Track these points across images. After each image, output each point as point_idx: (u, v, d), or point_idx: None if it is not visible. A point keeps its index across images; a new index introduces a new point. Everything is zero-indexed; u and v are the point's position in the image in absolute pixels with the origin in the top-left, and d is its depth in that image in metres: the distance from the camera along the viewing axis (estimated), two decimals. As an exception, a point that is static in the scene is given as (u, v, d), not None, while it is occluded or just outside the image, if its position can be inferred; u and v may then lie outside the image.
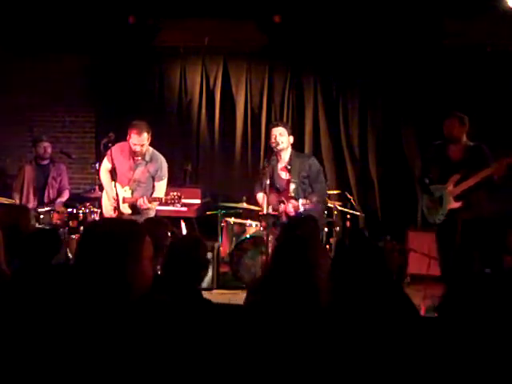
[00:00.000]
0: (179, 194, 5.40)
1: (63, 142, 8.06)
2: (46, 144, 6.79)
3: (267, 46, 7.72)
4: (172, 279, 2.78)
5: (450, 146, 5.32)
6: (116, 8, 7.38)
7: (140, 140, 5.43)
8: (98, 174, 5.76)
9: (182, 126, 8.04)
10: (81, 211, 6.24)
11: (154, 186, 5.62)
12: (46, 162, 6.83)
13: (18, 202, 6.67)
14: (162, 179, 5.62)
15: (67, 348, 1.81)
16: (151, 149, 5.65)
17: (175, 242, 3.17)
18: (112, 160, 5.53)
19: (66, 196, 6.87)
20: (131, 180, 5.49)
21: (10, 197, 6.74)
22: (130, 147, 5.48)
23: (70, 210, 6.33)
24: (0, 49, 7.76)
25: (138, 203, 5.42)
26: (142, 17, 7.56)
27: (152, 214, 5.67)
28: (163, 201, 5.43)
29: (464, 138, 5.28)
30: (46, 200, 6.74)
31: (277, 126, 5.61)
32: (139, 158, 5.58)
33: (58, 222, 6.25)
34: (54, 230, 3.66)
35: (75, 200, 6.96)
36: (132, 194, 5.53)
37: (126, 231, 1.94)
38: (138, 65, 7.91)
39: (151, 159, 5.60)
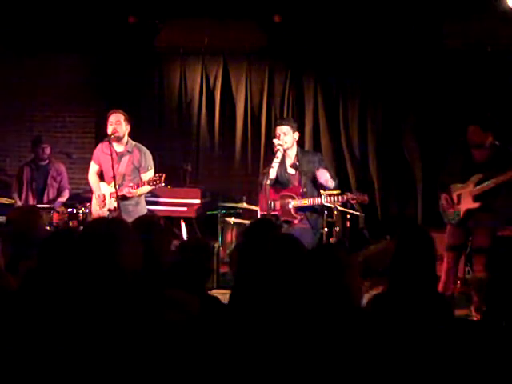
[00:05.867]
0: (161, 174, 5.32)
1: (63, 142, 8.06)
2: (45, 145, 6.79)
3: (267, 46, 7.72)
4: (178, 280, 2.78)
5: (473, 148, 5.12)
6: (116, 8, 7.39)
7: (116, 116, 5.45)
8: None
9: (181, 126, 8.04)
10: (81, 211, 6.24)
11: (140, 179, 5.56)
12: (45, 163, 6.83)
13: (17, 202, 6.67)
14: (147, 170, 5.55)
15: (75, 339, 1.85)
16: (133, 142, 5.64)
17: (182, 244, 3.16)
18: (98, 160, 5.62)
19: (66, 196, 6.86)
20: (116, 175, 5.43)
21: (10, 197, 6.74)
22: (109, 143, 5.44)
23: (69, 210, 6.33)
24: (0, 48, 7.76)
25: (125, 192, 5.39)
26: (142, 17, 7.57)
27: (142, 209, 5.63)
28: (145, 184, 5.40)
29: (488, 142, 5.06)
30: (45, 200, 6.74)
31: (281, 124, 5.54)
32: (122, 147, 5.53)
33: (58, 221, 6.25)
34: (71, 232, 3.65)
35: (75, 200, 6.96)
36: (118, 188, 5.46)
37: (114, 231, 2.28)
38: (138, 65, 7.91)
39: (133, 150, 5.58)
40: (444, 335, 2.30)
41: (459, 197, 5.13)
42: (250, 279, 2.71)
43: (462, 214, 5.11)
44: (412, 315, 2.42)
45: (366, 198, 5.58)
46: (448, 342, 2.24)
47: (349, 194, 5.56)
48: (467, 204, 5.06)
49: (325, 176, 5.38)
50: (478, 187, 5.01)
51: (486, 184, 4.96)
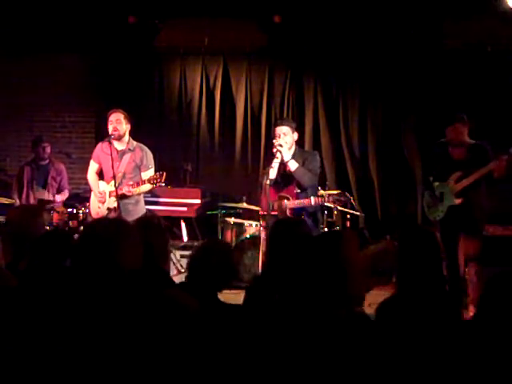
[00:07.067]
0: (161, 172, 5.31)
1: (63, 142, 8.06)
2: (46, 144, 6.80)
3: (267, 46, 7.72)
4: (197, 281, 2.76)
5: (452, 147, 5.35)
6: (116, 8, 7.39)
7: (116, 115, 5.48)
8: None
9: (182, 126, 8.04)
10: (81, 211, 6.25)
11: (140, 178, 5.52)
12: (45, 162, 6.83)
13: (17, 202, 6.67)
14: (148, 168, 5.55)
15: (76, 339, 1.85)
16: (135, 142, 5.65)
17: (207, 245, 3.13)
18: (98, 158, 5.63)
19: (65, 195, 6.86)
20: (117, 174, 5.43)
21: (10, 197, 6.74)
22: (109, 143, 5.45)
23: (69, 210, 6.34)
24: (0, 48, 7.76)
25: (124, 191, 5.39)
26: (142, 17, 7.57)
27: (142, 209, 5.64)
28: (145, 182, 5.39)
29: (467, 138, 5.29)
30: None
31: (281, 124, 5.54)
32: (123, 146, 5.53)
33: (58, 221, 6.25)
34: (67, 234, 3.65)
35: (75, 200, 6.97)
36: (118, 187, 5.46)
37: (114, 231, 2.28)
38: (138, 65, 7.91)
39: (135, 148, 5.59)
40: (454, 337, 2.28)
41: (441, 194, 5.29)
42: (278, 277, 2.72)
43: (445, 210, 5.26)
44: (423, 318, 2.39)
45: (347, 197, 5.62)
46: (458, 343, 2.22)
47: (332, 196, 5.54)
48: (450, 201, 5.22)
49: (298, 174, 5.39)
50: (458, 184, 5.17)
51: (465, 180, 5.13)
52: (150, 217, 4.64)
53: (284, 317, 2.18)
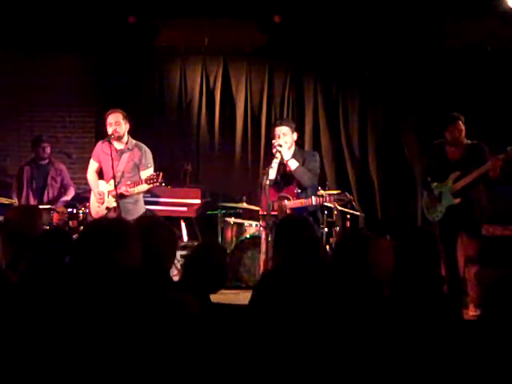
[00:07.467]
0: (158, 172, 5.33)
1: (63, 142, 8.05)
2: (45, 144, 6.80)
3: (267, 46, 7.72)
4: (189, 283, 2.76)
5: (449, 147, 5.39)
6: (116, 8, 7.39)
7: (115, 117, 5.50)
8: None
9: (181, 126, 8.03)
10: (81, 211, 6.25)
11: (139, 177, 5.55)
12: (45, 162, 6.83)
13: (17, 202, 6.66)
14: (147, 167, 5.58)
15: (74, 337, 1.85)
16: (134, 141, 5.66)
17: (199, 246, 3.13)
18: (98, 157, 5.66)
19: (71, 194, 6.86)
20: (116, 174, 5.44)
21: (10, 197, 6.74)
22: (109, 143, 5.46)
23: (70, 210, 6.34)
24: (0, 48, 7.75)
25: (122, 190, 5.40)
26: (142, 17, 7.57)
27: (141, 208, 5.65)
28: (143, 182, 5.40)
29: (464, 138, 5.35)
30: (45, 200, 6.74)
31: (281, 125, 5.56)
32: (122, 145, 5.55)
33: (58, 221, 6.25)
34: (66, 233, 3.67)
35: (75, 200, 6.96)
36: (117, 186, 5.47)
37: (113, 231, 2.29)
38: (138, 65, 7.91)
39: (133, 147, 5.61)
40: (453, 339, 2.28)
41: (440, 195, 5.33)
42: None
43: (444, 210, 5.29)
44: (418, 318, 2.39)
45: (348, 198, 5.64)
46: (458, 345, 2.22)
47: (332, 196, 5.56)
48: (448, 201, 5.25)
49: (298, 173, 5.40)
50: (456, 184, 5.21)
51: (463, 180, 5.17)
52: (154, 217, 4.65)
53: (296, 317, 2.17)
